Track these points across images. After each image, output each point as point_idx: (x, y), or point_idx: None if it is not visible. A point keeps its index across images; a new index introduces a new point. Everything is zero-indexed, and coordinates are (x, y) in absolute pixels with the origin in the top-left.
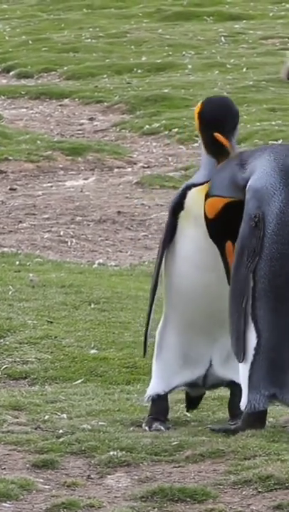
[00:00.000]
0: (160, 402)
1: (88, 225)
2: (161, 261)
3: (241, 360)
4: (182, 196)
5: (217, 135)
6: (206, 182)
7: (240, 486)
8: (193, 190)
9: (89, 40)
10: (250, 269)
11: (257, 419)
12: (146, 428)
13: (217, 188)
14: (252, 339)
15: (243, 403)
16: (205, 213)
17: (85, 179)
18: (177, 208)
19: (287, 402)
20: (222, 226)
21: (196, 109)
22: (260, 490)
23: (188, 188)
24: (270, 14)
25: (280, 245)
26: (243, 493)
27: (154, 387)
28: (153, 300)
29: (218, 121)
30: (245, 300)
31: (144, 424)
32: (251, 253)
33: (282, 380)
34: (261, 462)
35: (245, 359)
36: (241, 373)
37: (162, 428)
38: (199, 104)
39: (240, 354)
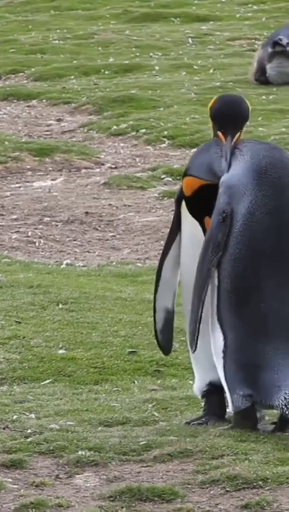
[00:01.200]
0: (211, 397)
1: (56, 225)
2: (166, 253)
3: (193, 352)
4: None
5: (219, 132)
6: None
7: (208, 485)
8: None
9: (56, 41)
10: (212, 263)
11: (244, 417)
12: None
13: (195, 169)
14: (219, 340)
15: (229, 403)
16: (182, 190)
17: (53, 180)
18: (179, 199)
19: (263, 403)
20: (199, 203)
21: (210, 103)
22: (228, 489)
23: None
24: (237, 15)
25: (243, 246)
26: (211, 492)
27: (197, 384)
28: (156, 292)
29: (223, 117)
30: (205, 293)
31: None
32: (216, 247)
33: (253, 381)
34: (229, 462)
35: (217, 360)
36: (219, 374)
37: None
38: (213, 99)
39: (193, 345)
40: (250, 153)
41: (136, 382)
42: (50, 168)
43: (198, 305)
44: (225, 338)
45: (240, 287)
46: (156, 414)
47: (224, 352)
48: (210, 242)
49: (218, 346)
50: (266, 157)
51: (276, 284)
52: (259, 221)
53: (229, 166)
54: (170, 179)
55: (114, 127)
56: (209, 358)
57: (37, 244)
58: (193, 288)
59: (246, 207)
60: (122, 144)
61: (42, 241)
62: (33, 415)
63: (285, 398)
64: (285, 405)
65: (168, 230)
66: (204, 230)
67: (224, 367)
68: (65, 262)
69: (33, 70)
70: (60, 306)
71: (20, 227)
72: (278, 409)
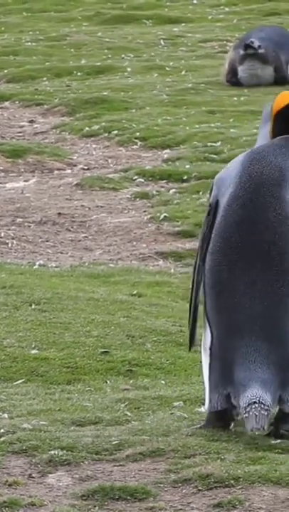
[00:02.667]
0: None
1: (29, 226)
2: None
3: (189, 350)
4: None
5: None
6: None
7: (180, 484)
8: None
9: (29, 43)
10: (200, 257)
11: (219, 418)
12: None
13: None
14: (208, 339)
15: (206, 402)
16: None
17: (26, 181)
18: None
19: (238, 402)
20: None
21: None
22: (200, 488)
23: None
24: (209, 17)
25: (220, 239)
26: (183, 491)
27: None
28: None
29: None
30: (194, 291)
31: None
32: (202, 241)
33: (229, 380)
34: (201, 461)
35: (204, 358)
36: (203, 372)
37: None
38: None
39: (189, 345)
40: (250, 149)
41: (108, 382)
42: (23, 170)
43: (191, 303)
44: (211, 336)
45: (217, 281)
46: (129, 414)
47: (211, 349)
48: (202, 239)
49: (207, 343)
50: (258, 153)
51: (248, 279)
52: (234, 212)
53: None
54: (142, 180)
55: (87, 129)
56: None
57: (10, 245)
58: (191, 287)
59: (227, 199)
60: (94, 146)
61: (15, 242)
62: (5, 415)
63: (247, 397)
64: (244, 408)
65: (140, 230)
66: None
67: (210, 365)
68: (37, 263)
69: (5, 71)
70: (33, 306)
71: None
72: (240, 411)
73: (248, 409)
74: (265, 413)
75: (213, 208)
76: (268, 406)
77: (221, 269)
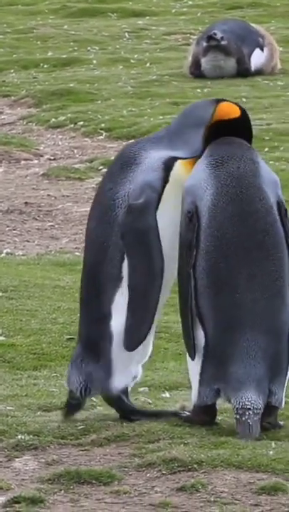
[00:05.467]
0: None
1: None
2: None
3: (193, 359)
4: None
5: None
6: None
7: (144, 468)
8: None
9: None
10: (190, 264)
11: (206, 412)
12: None
13: None
14: (200, 338)
15: (194, 395)
16: None
17: None
18: None
19: (228, 395)
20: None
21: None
22: (164, 472)
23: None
24: (173, 11)
25: (213, 238)
26: (148, 475)
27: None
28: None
29: None
30: (190, 297)
31: None
32: (188, 248)
33: (225, 376)
34: (165, 445)
35: (197, 357)
36: (191, 369)
37: None
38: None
39: (192, 353)
40: (212, 151)
41: None
42: None
43: (187, 311)
44: (206, 335)
45: (215, 280)
46: (94, 399)
47: (205, 348)
48: (183, 246)
49: (200, 344)
50: (224, 151)
51: (248, 273)
52: (223, 210)
53: None
54: None
55: (53, 120)
56: None
57: None
58: (178, 295)
59: (209, 199)
60: (60, 136)
61: None
62: None
63: (242, 399)
64: (237, 409)
65: None
66: None
67: (203, 362)
68: (4, 251)
69: None
70: (0, 294)
71: None
72: (233, 408)
73: (240, 413)
74: (257, 417)
75: (195, 214)
76: (259, 409)
77: (218, 267)
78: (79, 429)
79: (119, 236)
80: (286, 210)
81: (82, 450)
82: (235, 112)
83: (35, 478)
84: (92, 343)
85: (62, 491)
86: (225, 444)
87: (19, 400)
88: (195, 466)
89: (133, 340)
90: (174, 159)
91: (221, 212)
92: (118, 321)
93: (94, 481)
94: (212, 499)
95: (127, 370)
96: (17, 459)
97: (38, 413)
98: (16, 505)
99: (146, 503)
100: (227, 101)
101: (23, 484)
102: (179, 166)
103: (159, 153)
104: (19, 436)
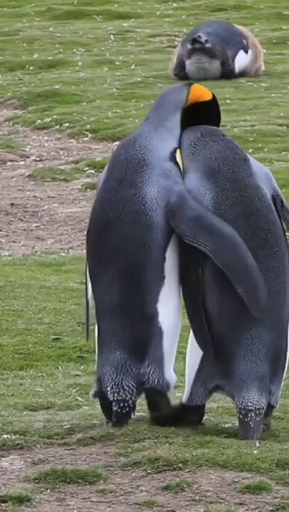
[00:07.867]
0: None
1: None
2: None
3: (213, 356)
4: None
5: None
6: None
7: (130, 467)
8: None
9: None
10: (198, 269)
11: (195, 412)
12: None
13: None
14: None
15: (186, 394)
16: None
17: None
18: None
19: (232, 393)
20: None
21: None
22: (149, 471)
23: None
24: (158, 13)
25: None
26: (133, 474)
27: None
28: None
29: None
30: (200, 295)
31: None
32: (195, 249)
33: (227, 372)
34: (150, 445)
35: (197, 353)
36: (188, 365)
37: None
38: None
39: (209, 349)
40: (203, 156)
41: (60, 367)
42: None
43: (199, 308)
44: (210, 332)
45: (221, 278)
46: (80, 399)
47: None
48: (190, 247)
49: (195, 342)
50: (218, 159)
51: None
52: (225, 213)
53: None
54: (92, 171)
55: (39, 121)
56: None
57: None
58: (185, 293)
59: (211, 204)
60: (46, 138)
61: None
62: None
63: (244, 399)
64: (240, 408)
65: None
66: None
67: (202, 358)
68: None
69: None
70: None
71: None
72: (235, 407)
73: (243, 414)
74: (259, 418)
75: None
76: (262, 409)
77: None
78: (65, 429)
79: (159, 237)
80: (282, 201)
81: (68, 449)
82: (208, 95)
83: (22, 477)
84: (140, 343)
85: (49, 490)
86: (210, 443)
87: (5, 399)
88: (180, 465)
89: (258, 304)
90: (175, 150)
91: (223, 215)
92: (165, 315)
93: (80, 480)
94: (197, 498)
95: (172, 367)
96: (3, 459)
97: (24, 413)
98: (3, 504)
99: (132, 502)
100: (196, 84)
101: (9, 483)
102: (179, 155)
103: (162, 148)
104: (5, 436)
